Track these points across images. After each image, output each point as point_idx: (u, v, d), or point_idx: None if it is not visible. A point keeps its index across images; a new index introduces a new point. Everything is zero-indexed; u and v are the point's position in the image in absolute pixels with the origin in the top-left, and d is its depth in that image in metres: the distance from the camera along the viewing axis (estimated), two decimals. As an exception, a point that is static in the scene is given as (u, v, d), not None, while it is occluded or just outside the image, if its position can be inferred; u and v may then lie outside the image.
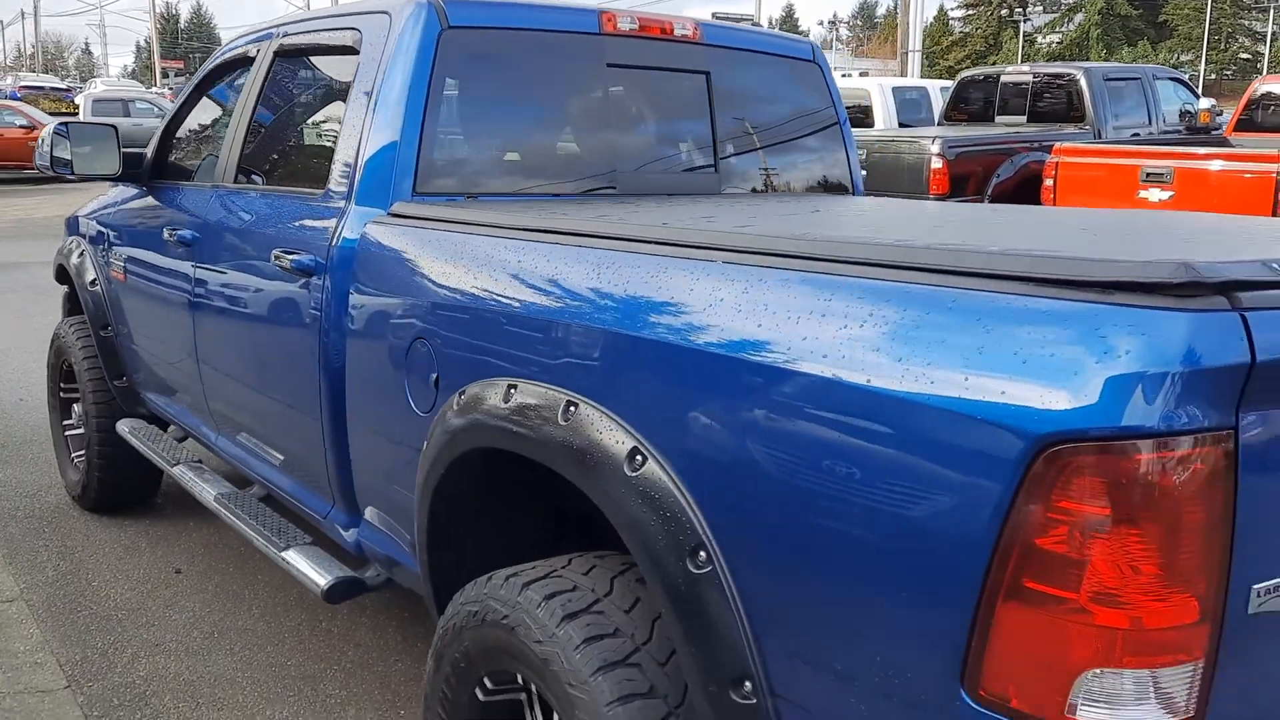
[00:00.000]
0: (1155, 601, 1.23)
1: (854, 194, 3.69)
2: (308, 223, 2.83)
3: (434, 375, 2.29)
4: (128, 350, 4.20)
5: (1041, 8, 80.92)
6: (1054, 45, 75.55)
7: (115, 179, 4.06)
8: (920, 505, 1.34)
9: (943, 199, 8.81)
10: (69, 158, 3.85)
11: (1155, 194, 7.67)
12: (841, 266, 1.57)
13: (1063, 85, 10.91)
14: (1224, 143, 9.57)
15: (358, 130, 2.74)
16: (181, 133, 4.06)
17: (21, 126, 20.55)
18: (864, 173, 8.51)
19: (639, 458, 1.72)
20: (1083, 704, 1.25)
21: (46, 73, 64.11)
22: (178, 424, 3.97)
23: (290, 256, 2.77)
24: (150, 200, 3.97)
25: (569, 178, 3.05)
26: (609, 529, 1.83)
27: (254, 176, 3.40)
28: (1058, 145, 8.46)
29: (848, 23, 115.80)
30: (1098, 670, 1.25)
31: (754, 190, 3.44)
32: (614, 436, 1.78)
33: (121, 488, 4.49)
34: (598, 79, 3.10)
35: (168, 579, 3.96)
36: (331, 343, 2.66)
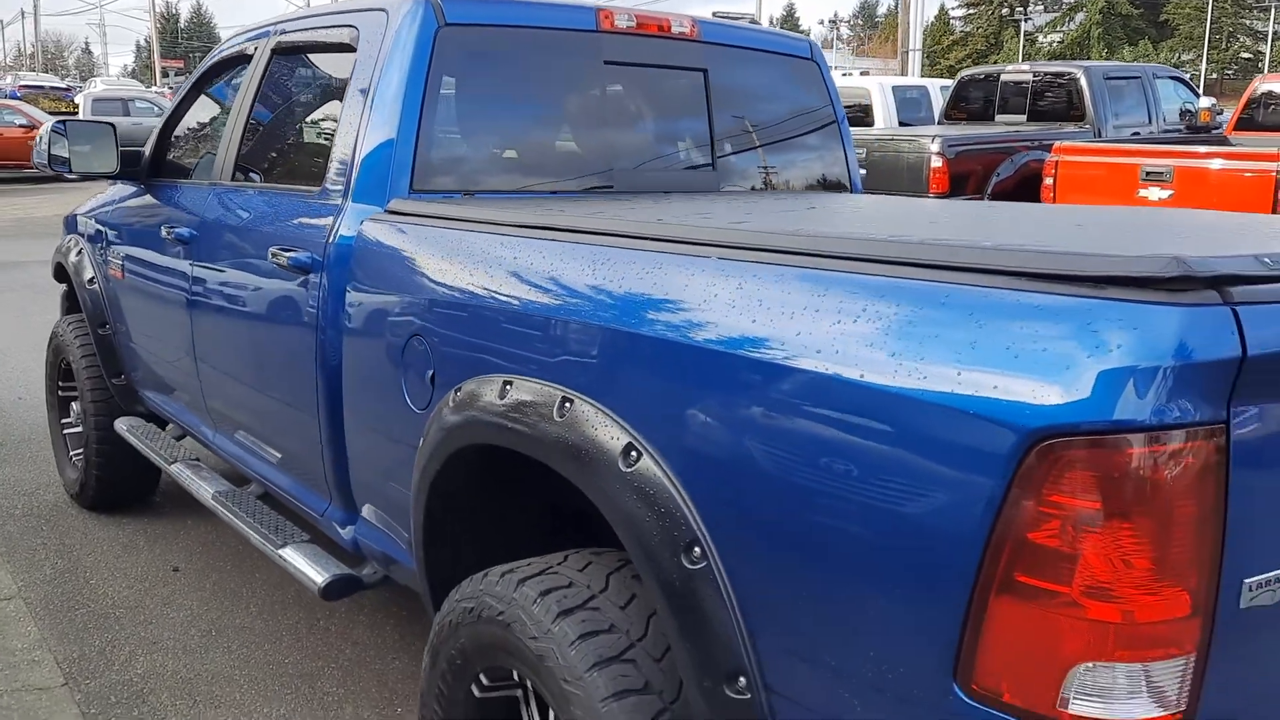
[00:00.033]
0: (1147, 595, 1.23)
1: (852, 192, 3.69)
2: (305, 220, 2.84)
3: (430, 372, 2.30)
4: (126, 348, 4.20)
5: (1042, 7, 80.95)
6: (1055, 44, 75.55)
7: (113, 177, 4.07)
8: (913, 500, 1.35)
9: (943, 198, 8.81)
10: (67, 156, 3.85)
11: (1155, 193, 7.67)
12: (835, 262, 1.57)
13: (1063, 84, 10.91)
14: (1224, 141, 9.57)
15: (355, 127, 2.74)
16: (179, 131, 4.06)
17: (21, 126, 20.56)
18: (863, 172, 8.50)
19: (634, 453, 1.72)
20: (1075, 698, 1.25)
21: (46, 72, 64.13)
22: (176, 422, 3.98)
23: (287, 254, 2.78)
24: (148, 198, 3.97)
25: (566, 175, 3.05)
26: (605, 526, 1.83)
27: (251, 174, 3.40)
28: (1057, 144, 8.46)
29: (848, 22, 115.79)
30: (1090, 664, 1.25)
31: (752, 188, 3.44)
32: (609, 432, 1.78)
33: (119, 486, 4.49)
34: (595, 76, 3.10)
35: (165, 577, 3.96)
36: (328, 340, 2.66)
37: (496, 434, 2.04)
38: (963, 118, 11.82)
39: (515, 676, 2.01)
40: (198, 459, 3.80)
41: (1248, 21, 77.07)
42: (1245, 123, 10.41)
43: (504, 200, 2.80)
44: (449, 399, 2.18)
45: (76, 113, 24.24)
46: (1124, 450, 1.21)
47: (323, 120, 3.20)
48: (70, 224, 4.70)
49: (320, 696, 3.17)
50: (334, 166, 2.79)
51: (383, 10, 2.80)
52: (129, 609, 3.70)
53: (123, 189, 4.26)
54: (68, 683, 3.21)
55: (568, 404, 1.86)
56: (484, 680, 2.06)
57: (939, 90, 14.29)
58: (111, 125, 3.96)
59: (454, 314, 2.25)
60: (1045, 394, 1.24)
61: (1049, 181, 8.28)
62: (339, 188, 2.74)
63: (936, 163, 9.14)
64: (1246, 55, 75.50)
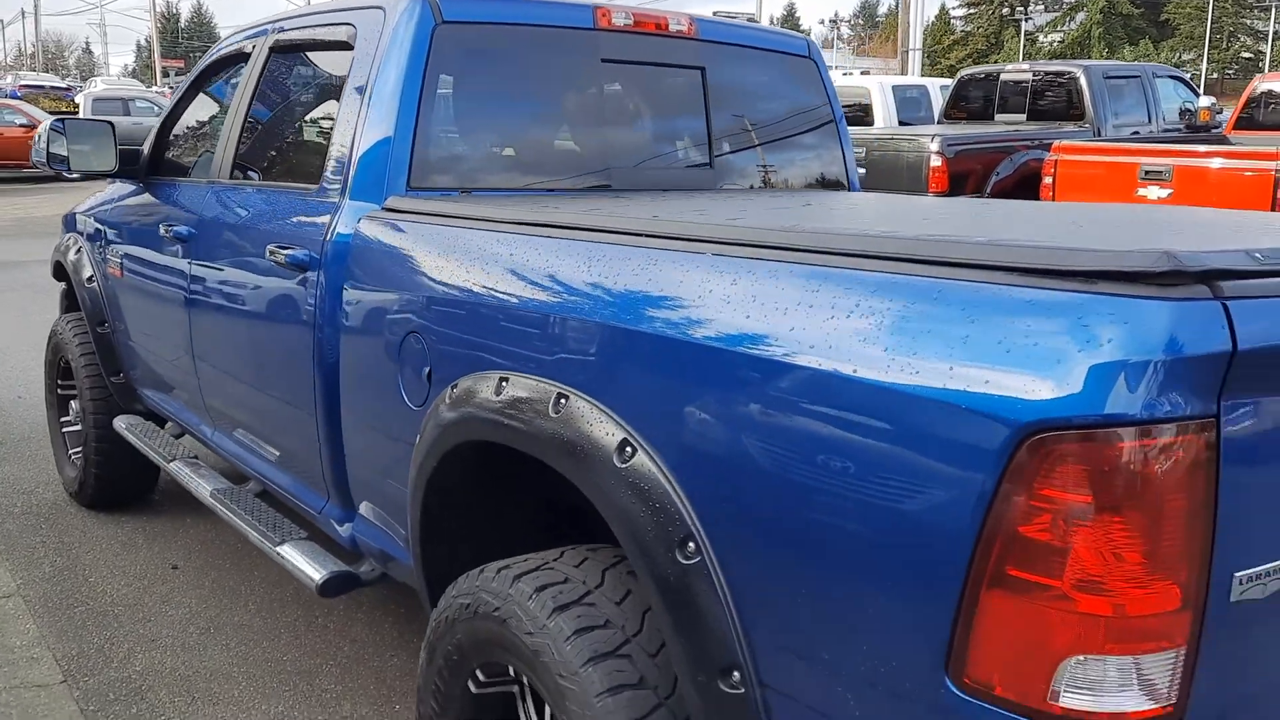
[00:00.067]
0: (1138, 589, 1.23)
1: (850, 190, 3.69)
2: (302, 218, 2.84)
3: (427, 369, 2.30)
4: (125, 347, 4.20)
5: (1043, 6, 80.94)
6: (1055, 44, 75.54)
7: (112, 175, 4.07)
8: (906, 494, 1.35)
9: (942, 197, 8.81)
10: (65, 154, 3.86)
11: (1154, 191, 7.67)
12: (828, 258, 1.57)
13: (1063, 83, 10.91)
14: (1223, 140, 9.57)
15: (352, 125, 2.75)
16: (178, 129, 4.07)
17: (22, 125, 20.57)
18: (863, 171, 8.49)
19: (629, 449, 1.73)
20: (1066, 691, 1.26)
21: (47, 72, 64.15)
22: (174, 420, 3.98)
23: (285, 252, 2.78)
24: (147, 197, 3.97)
25: (563, 173, 3.05)
26: (601, 522, 1.83)
27: (250, 172, 3.40)
28: (1056, 143, 8.46)
29: (849, 22, 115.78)
30: (1081, 657, 1.25)
31: (751, 186, 3.44)
32: (604, 428, 1.78)
33: (118, 484, 4.50)
34: (592, 74, 3.11)
35: (164, 575, 3.97)
36: (326, 337, 2.67)
37: (492, 430, 2.05)
38: (962, 117, 11.82)
39: (511, 672, 2.02)
40: (196, 457, 3.81)
41: (1248, 21, 77.05)
42: (1245, 122, 10.41)
43: (500, 198, 2.81)
44: (445, 396, 2.18)
45: (77, 112, 24.26)
46: (1115, 444, 1.21)
47: (320, 118, 3.20)
48: (69, 222, 4.71)
49: (318, 693, 3.17)
50: (331, 164, 2.79)
51: (380, 8, 2.80)
52: (128, 606, 3.70)
53: (121, 187, 4.26)
54: (66, 680, 3.22)
55: (563, 400, 1.87)
56: (480, 676, 2.06)
57: (939, 89, 14.30)
58: (110, 124, 3.97)
59: (450, 311, 2.25)
60: (1037, 388, 1.25)
61: (1048, 181, 8.28)
62: (336, 185, 2.75)
63: (936, 162, 9.14)
64: (1247, 55, 75.48)
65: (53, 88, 34.82)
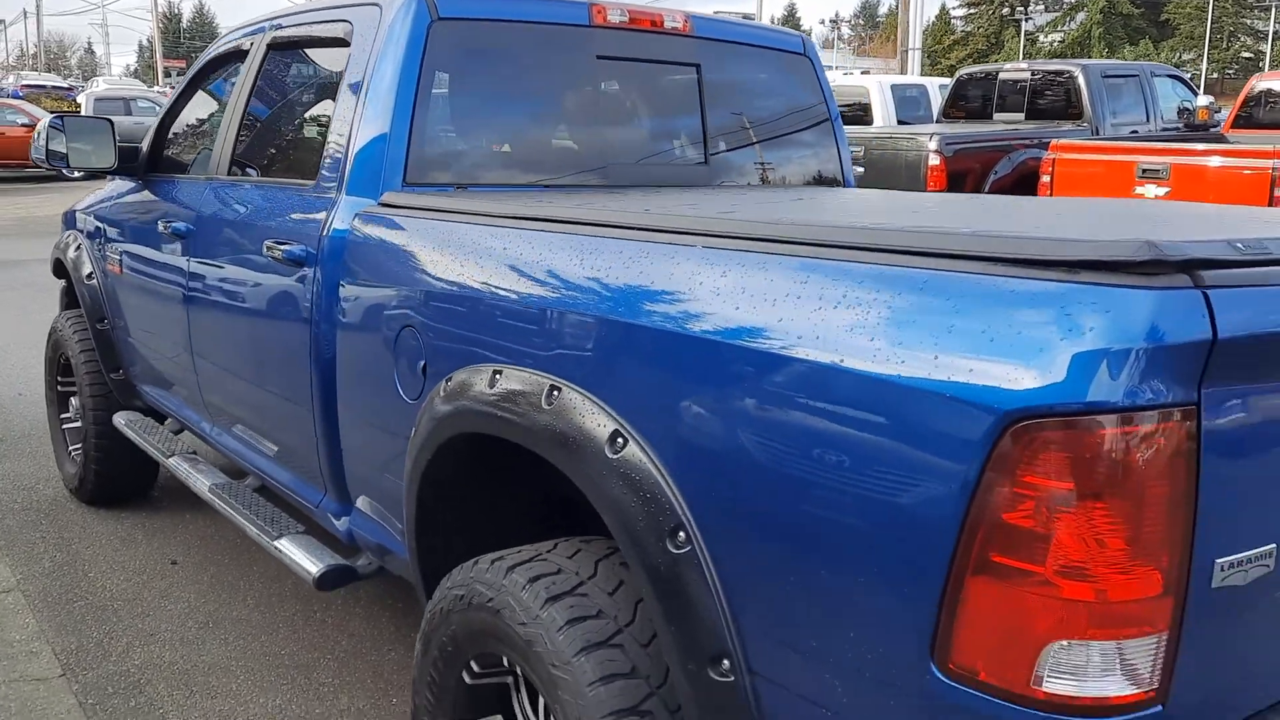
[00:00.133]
0: (1120, 575, 1.25)
1: (845, 187, 3.70)
2: (299, 214, 2.86)
3: (422, 363, 2.32)
4: (124, 343, 4.22)
5: (1043, 6, 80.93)
6: (1056, 44, 75.52)
7: (111, 172, 4.09)
8: (891, 481, 1.36)
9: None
10: (64, 151, 3.87)
11: (1151, 190, 7.68)
12: (816, 250, 1.59)
13: (1061, 82, 10.92)
14: (1221, 139, 9.58)
15: (349, 121, 2.77)
16: (177, 126, 4.09)
17: (24, 125, 20.60)
18: (861, 170, 8.47)
19: (620, 440, 1.74)
20: (1049, 676, 1.27)
21: (49, 72, 64.20)
22: (174, 416, 4.00)
23: (282, 247, 2.80)
24: (146, 194, 3.99)
25: (559, 170, 3.07)
26: (594, 514, 1.85)
27: (247, 169, 3.42)
28: (1054, 142, 8.47)
29: (849, 22, 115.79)
30: (1064, 642, 1.27)
31: (747, 184, 3.46)
32: (596, 420, 1.80)
33: (118, 480, 4.52)
34: (588, 71, 3.12)
35: (163, 570, 3.99)
36: (322, 332, 2.68)
37: (486, 423, 2.06)
38: (961, 116, 11.82)
39: (505, 663, 2.03)
40: (195, 453, 3.82)
41: (1248, 21, 77.05)
42: (1243, 120, 10.42)
43: (496, 193, 2.82)
44: (440, 389, 2.20)
45: (79, 112, 24.28)
46: (1097, 431, 1.23)
47: (318, 114, 3.22)
48: (69, 220, 4.72)
49: (316, 687, 3.19)
50: (328, 160, 2.81)
51: (376, 5, 2.82)
52: (127, 601, 3.72)
53: (121, 185, 4.28)
54: (65, 673, 3.23)
55: (556, 392, 1.88)
56: (475, 667, 2.08)
57: (937, 89, 14.31)
58: (109, 121, 3.99)
59: (444, 305, 2.27)
60: (1020, 377, 1.26)
61: (1046, 179, 8.29)
62: (333, 181, 2.76)
63: (934, 161, 9.14)
64: (1247, 55, 75.46)
65: (55, 87, 34.88)
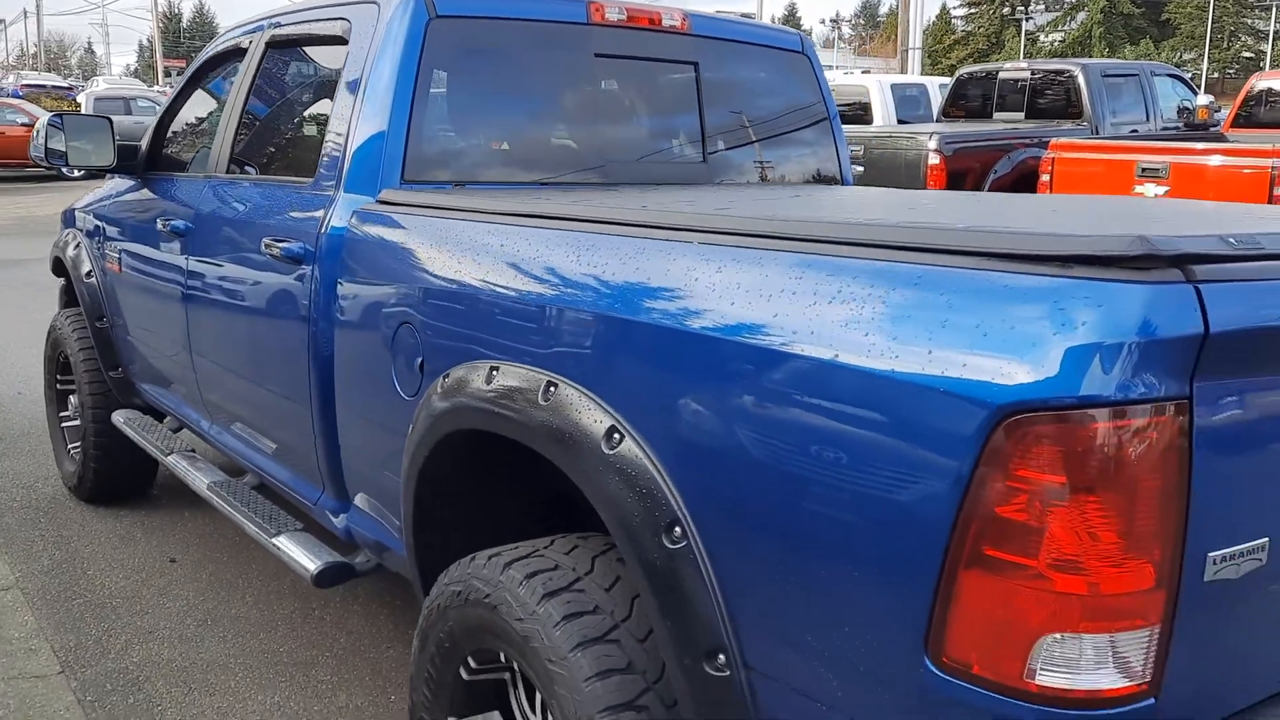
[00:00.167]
0: (1112, 568, 1.25)
1: (843, 185, 3.71)
2: (297, 212, 2.86)
3: (419, 360, 2.32)
4: (123, 341, 4.23)
5: (1044, 6, 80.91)
6: (1056, 44, 75.52)
7: (110, 171, 4.09)
8: (885, 475, 1.37)
9: (938, 194, 8.82)
10: (63, 149, 3.88)
11: (1151, 189, 7.68)
12: (811, 246, 1.59)
13: (1061, 82, 10.92)
14: (1221, 138, 9.58)
15: (347, 119, 2.77)
16: (176, 125, 4.09)
17: (24, 125, 20.61)
18: (860, 169, 8.46)
19: (616, 436, 1.75)
20: (1042, 669, 1.28)
21: (49, 71, 64.22)
22: (172, 414, 4.00)
23: (280, 245, 2.80)
24: (145, 192, 3.99)
25: (556, 167, 3.07)
26: (591, 511, 1.85)
27: (246, 167, 3.43)
28: (1054, 141, 8.47)
29: (850, 21, 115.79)
30: (1057, 635, 1.27)
31: (746, 181, 3.46)
32: (592, 416, 1.80)
33: (117, 478, 4.52)
34: (586, 69, 3.12)
35: (162, 568, 3.99)
36: (320, 329, 2.69)
37: (484, 419, 2.07)
38: (961, 115, 11.83)
39: (503, 659, 2.04)
40: (194, 451, 3.83)
41: (1249, 21, 77.03)
42: (1243, 119, 10.42)
43: (493, 190, 2.83)
44: (437, 385, 2.20)
45: (79, 111, 24.29)
46: (1089, 425, 1.23)
47: (316, 112, 3.22)
48: (68, 219, 4.73)
49: (314, 684, 3.19)
50: (326, 158, 2.81)
51: (374, 3, 2.82)
52: (126, 599, 3.72)
53: (120, 183, 4.28)
54: (64, 670, 3.24)
55: (552, 388, 1.89)
56: (472, 663, 2.08)
57: (937, 88, 14.31)
58: (108, 119, 3.99)
59: (442, 301, 2.27)
60: (1013, 371, 1.27)
61: (1045, 178, 8.29)
62: (331, 179, 2.77)
63: (934, 160, 9.14)
64: (1248, 55, 75.44)
65: (55, 87, 34.91)
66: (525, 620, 1.87)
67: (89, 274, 4.36)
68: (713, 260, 1.71)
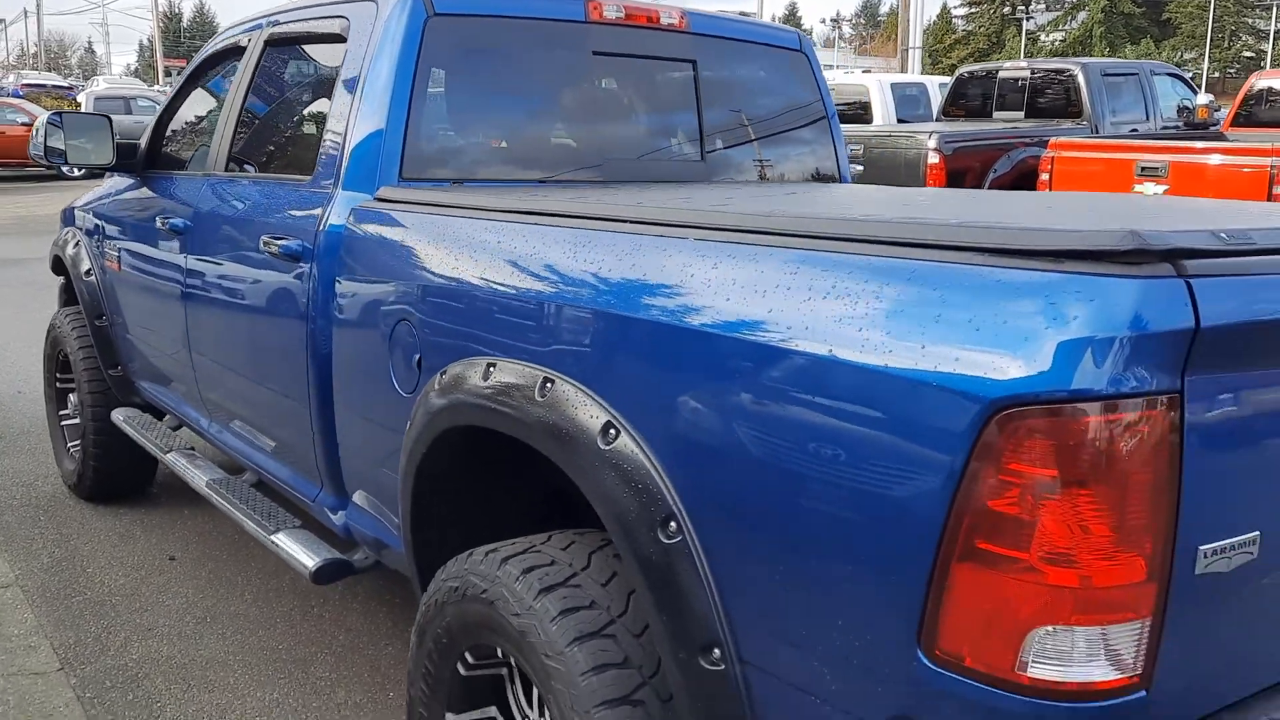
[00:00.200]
0: (1104, 561, 1.26)
1: (841, 184, 3.71)
2: (296, 209, 2.87)
3: (417, 356, 2.33)
4: (122, 340, 4.23)
5: (1044, 6, 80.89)
6: (1057, 43, 75.51)
7: (109, 169, 4.10)
8: (877, 470, 1.38)
9: (937, 193, 8.82)
10: (63, 148, 3.88)
11: (1150, 188, 7.68)
12: (805, 242, 1.60)
13: (1060, 81, 10.92)
14: (1220, 137, 9.58)
15: (345, 117, 2.78)
16: (175, 123, 4.10)
17: (24, 124, 20.61)
18: (860, 168, 8.45)
19: (612, 431, 1.76)
20: (1034, 661, 1.28)
21: (49, 71, 64.26)
22: (172, 412, 4.01)
23: (279, 242, 2.81)
24: (144, 190, 4.00)
25: (554, 165, 3.08)
26: (588, 507, 1.86)
27: (245, 165, 3.43)
28: (1053, 140, 8.47)
29: (850, 21, 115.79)
30: (1049, 628, 1.28)
31: (745, 180, 3.47)
32: (588, 412, 1.81)
33: (116, 476, 4.53)
34: (584, 67, 3.13)
35: (162, 565, 4.00)
36: (319, 327, 2.69)
37: (481, 415, 2.07)
38: (961, 114, 11.83)
39: (500, 654, 2.04)
40: (193, 449, 3.84)
41: (1250, 20, 77.02)
42: (1242, 119, 10.42)
43: (491, 188, 2.83)
44: (435, 382, 2.21)
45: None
46: (1081, 419, 1.24)
47: (314, 110, 3.23)
48: (68, 217, 4.74)
49: (313, 681, 3.20)
50: (324, 156, 2.82)
51: (372, 1, 2.83)
52: (125, 596, 3.73)
53: (119, 181, 4.29)
54: (64, 667, 3.25)
55: (549, 385, 1.90)
56: (469, 658, 2.09)
57: (937, 87, 14.32)
58: (107, 118, 4.00)
59: (439, 298, 2.28)
60: (1006, 365, 1.27)
61: (1045, 177, 8.29)
62: (329, 177, 2.78)
63: (934, 159, 9.15)
64: (1249, 54, 75.42)
65: (55, 87, 34.94)
66: (522, 615, 1.87)
67: (88, 272, 4.36)
68: (708, 256, 1.71)
